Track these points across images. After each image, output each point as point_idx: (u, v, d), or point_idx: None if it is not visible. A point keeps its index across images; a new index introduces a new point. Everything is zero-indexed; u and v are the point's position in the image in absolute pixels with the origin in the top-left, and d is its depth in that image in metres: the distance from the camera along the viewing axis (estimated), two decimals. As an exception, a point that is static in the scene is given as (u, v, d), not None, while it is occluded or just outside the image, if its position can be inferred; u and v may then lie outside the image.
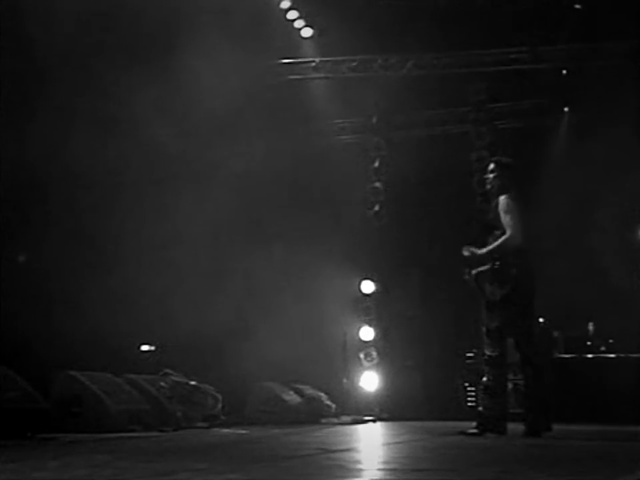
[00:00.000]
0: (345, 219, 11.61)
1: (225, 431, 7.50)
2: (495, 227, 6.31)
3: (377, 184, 12.26)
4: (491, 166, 6.59)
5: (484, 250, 6.30)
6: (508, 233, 6.20)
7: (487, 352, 6.30)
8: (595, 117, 10.82)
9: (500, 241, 6.23)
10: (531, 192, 10.04)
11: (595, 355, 10.43)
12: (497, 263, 6.24)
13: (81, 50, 8.20)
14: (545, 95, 11.52)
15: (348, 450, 5.23)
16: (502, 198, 6.30)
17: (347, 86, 11.39)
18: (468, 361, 10.94)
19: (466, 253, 6.33)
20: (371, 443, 6.61)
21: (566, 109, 11.55)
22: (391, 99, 11.85)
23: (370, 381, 11.59)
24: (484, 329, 6.30)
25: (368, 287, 11.91)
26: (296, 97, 11.13)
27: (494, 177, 6.49)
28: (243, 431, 7.34)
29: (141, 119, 8.45)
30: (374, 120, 12.38)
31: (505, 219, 6.24)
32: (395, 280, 11.90)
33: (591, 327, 10.84)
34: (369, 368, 11.64)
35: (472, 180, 10.83)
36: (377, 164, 12.33)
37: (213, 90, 9.15)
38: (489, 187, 6.53)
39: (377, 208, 12.21)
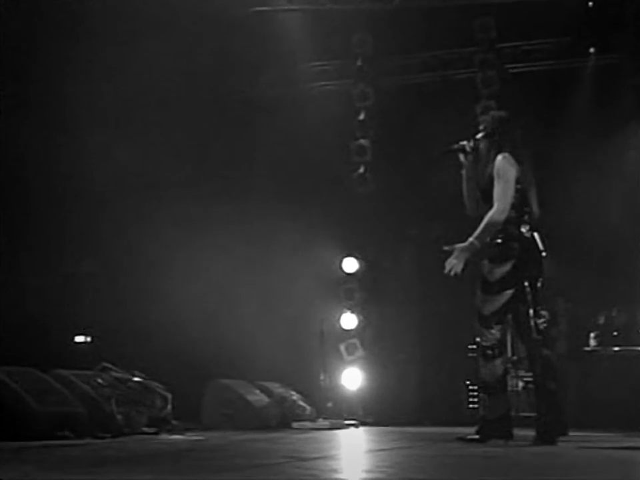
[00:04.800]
0: (324, 183, 11.61)
1: (176, 437, 7.51)
2: (488, 195, 6.29)
3: (363, 141, 12.25)
4: (482, 124, 6.55)
5: (469, 241, 6.23)
6: (495, 207, 6.17)
7: (481, 342, 6.35)
8: (626, 60, 10.85)
9: (486, 219, 6.21)
10: (549, 150, 10.17)
11: (623, 348, 10.55)
12: (499, 235, 6.25)
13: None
14: (567, 33, 11.52)
15: (324, 458, 5.27)
16: (499, 158, 6.27)
17: (326, 21, 11.32)
18: (471, 355, 11.01)
19: (447, 248, 6.27)
20: (351, 450, 6.66)
21: (592, 50, 11.55)
22: (380, 37, 11.81)
23: (352, 378, 11.66)
24: (477, 315, 6.34)
25: (351, 265, 11.94)
26: (264, 34, 11.05)
27: (483, 136, 6.45)
28: (198, 438, 7.35)
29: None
30: (359, 63, 12.34)
31: (497, 187, 6.21)
32: (384, 257, 11.94)
33: (615, 313, 10.96)
34: (351, 363, 11.70)
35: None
36: (362, 116, 12.30)
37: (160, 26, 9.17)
38: (470, 145, 6.45)
39: (361, 170, 12.21)
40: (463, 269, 6.19)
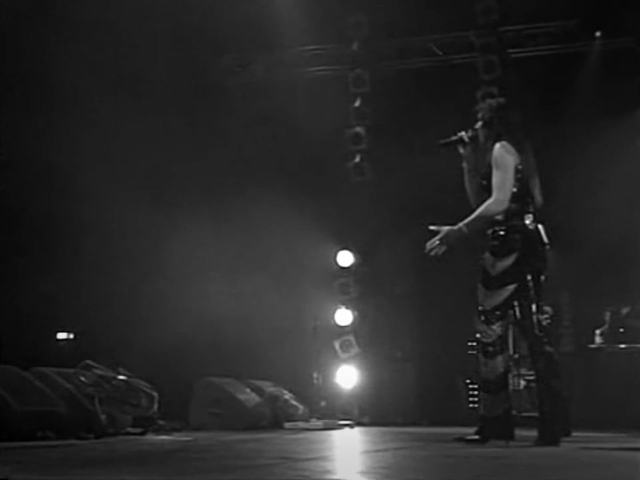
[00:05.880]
0: (318, 172, 11.60)
1: (163, 437, 7.53)
2: (489, 186, 6.30)
3: (358, 129, 12.24)
4: (479, 112, 6.57)
5: (458, 225, 6.27)
6: (493, 196, 6.21)
7: (481, 338, 6.36)
8: (633, 45, 10.86)
9: (481, 208, 6.24)
10: (553, 138, 10.18)
11: (629, 345, 10.57)
12: (501, 227, 6.27)
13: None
14: (572, 16, 11.52)
15: (317, 459, 5.28)
16: (497, 147, 6.29)
17: (320, 2, 11.29)
18: (471, 352, 11.04)
19: (434, 228, 6.32)
20: (346, 451, 6.68)
21: (598, 34, 11.56)
22: (377, 19, 11.78)
23: (347, 376, 11.67)
24: (478, 310, 6.36)
25: (346, 258, 11.94)
26: (253, 16, 11.02)
27: (481, 125, 6.48)
28: (186, 438, 7.37)
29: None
30: (355, 47, 12.31)
31: (496, 176, 6.23)
32: (380, 250, 11.93)
33: (625, 310, 10.97)
34: (345, 360, 11.71)
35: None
36: (358, 103, 12.29)
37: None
38: (469, 135, 6.49)
39: (357, 159, 12.20)
40: (446, 252, 6.27)
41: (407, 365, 11.76)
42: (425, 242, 6.37)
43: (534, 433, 6.23)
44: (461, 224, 6.26)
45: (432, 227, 6.31)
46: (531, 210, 6.34)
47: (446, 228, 6.27)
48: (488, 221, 6.28)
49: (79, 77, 9.50)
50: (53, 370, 8.00)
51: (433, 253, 6.27)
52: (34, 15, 9.09)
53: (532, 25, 11.74)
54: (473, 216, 6.27)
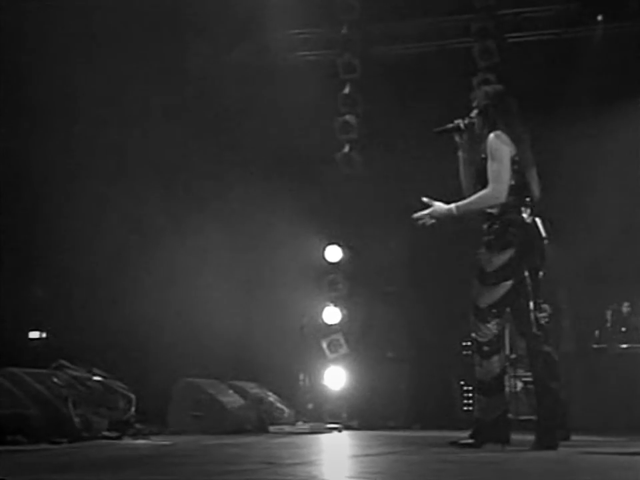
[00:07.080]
0: (305, 162, 11.60)
1: (141, 442, 7.51)
2: (484, 177, 6.32)
3: (348, 117, 12.23)
4: (475, 99, 6.57)
5: (451, 205, 6.33)
6: (490, 187, 6.24)
7: (477, 337, 6.37)
8: (637, 29, 10.88)
9: (477, 195, 6.28)
10: (551, 127, 10.18)
11: (631, 346, 10.61)
12: (498, 221, 6.28)
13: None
14: (574, -1, 11.55)
15: (303, 464, 5.27)
16: (491, 137, 6.29)
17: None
18: (465, 352, 11.07)
19: (426, 200, 6.43)
20: (334, 455, 6.68)
21: (600, 18, 11.58)
22: (368, 2, 11.78)
23: (335, 377, 11.68)
24: (473, 308, 6.37)
25: (334, 253, 11.94)
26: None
27: (477, 113, 6.48)
28: (165, 442, 7.36)
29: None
30: (344, 31, 12.31)
31: (491, 168, 6.25)
32: (371, 245, 11.93)
33: (625, 308, 11.02)
34: (334, 361, 11.72)
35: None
36: (348, 90, 12.28)
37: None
38: (465, 123, 6.51)
39: (347, 149, 12.19)
40: (433, 226, 6.45)
41: (398, 365, 11.78)
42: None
43: (531, 437, 6.24)
44: (453, 205, 6.36)
45: (424, 199, 6.44)
46: (528, 203, 6.35)
47: (437, 204, 6.39)
48: (480, 210, 6.31)
49: (59, 66, 9.50)
50: (24, 370, 7.96)
51: (420, 223, 6.41)
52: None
53: (531, 8, 11.76)
54: (467, 200, 6.35)
